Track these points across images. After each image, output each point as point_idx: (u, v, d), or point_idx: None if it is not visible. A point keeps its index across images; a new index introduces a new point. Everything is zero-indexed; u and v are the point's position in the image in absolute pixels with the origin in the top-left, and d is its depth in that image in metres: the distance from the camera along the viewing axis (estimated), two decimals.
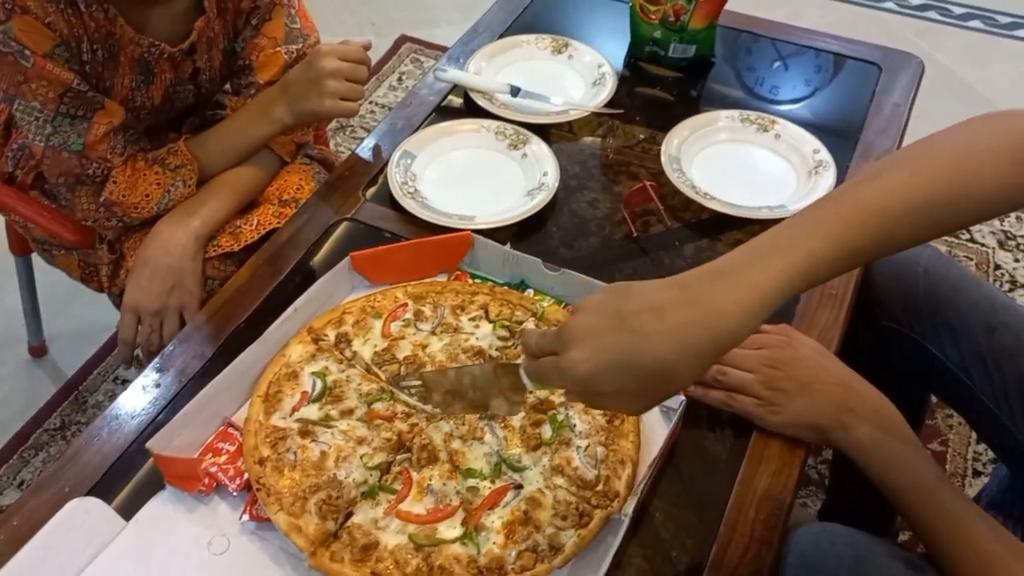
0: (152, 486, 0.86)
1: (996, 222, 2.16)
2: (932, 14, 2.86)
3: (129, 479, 0.88)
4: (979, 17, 2.85)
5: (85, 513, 0.83)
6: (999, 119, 0.74)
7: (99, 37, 1.12)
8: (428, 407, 0.89)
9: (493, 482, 0.84)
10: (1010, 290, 2.01)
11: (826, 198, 0.72)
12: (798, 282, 0.67)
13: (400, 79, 2.61)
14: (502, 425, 0.89)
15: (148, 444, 0.83)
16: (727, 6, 1.36)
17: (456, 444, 0.87)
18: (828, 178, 1.16)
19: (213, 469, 0.85)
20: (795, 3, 2.71)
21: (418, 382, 0.87)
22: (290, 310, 0.96)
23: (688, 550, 0.83)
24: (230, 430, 0.90)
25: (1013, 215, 2.18)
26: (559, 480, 0.84)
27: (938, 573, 0.83)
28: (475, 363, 0.93)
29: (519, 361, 0.78)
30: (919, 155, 0.73)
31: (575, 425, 0.89)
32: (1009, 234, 2.14)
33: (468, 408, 0.85)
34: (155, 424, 0.91)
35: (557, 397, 0.91)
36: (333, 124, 2.45)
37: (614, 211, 1.16)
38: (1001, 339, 1.03)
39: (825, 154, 1.20)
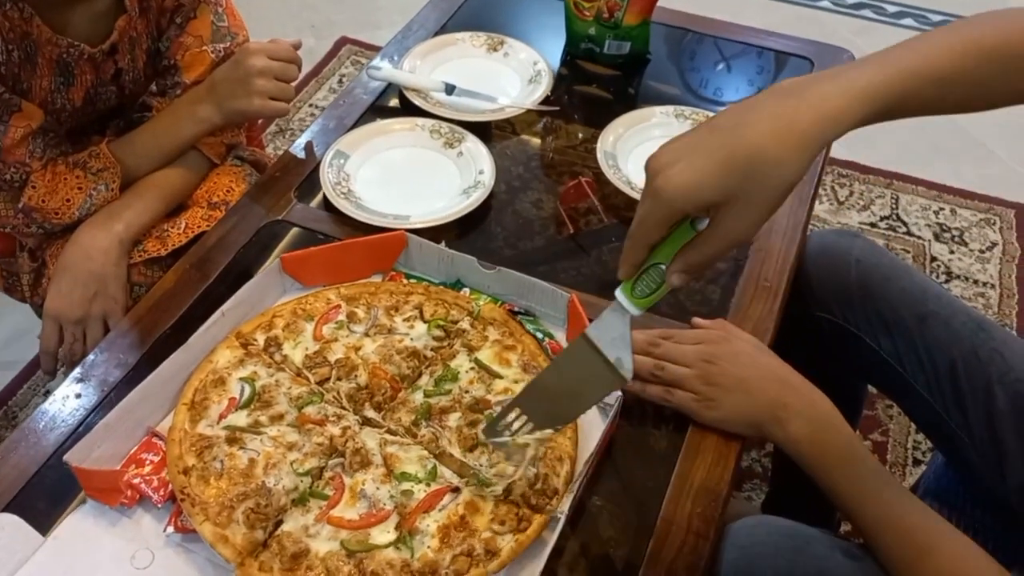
0: (72, 500, 0.83)
1: (932, 215, 2.21)
2: (867, 12, 2.92)
3: (48, 494, 0.84)
4: (912, 15, 2.92)
5: (0, 530, 0.80)
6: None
7: (14, 37, 1.08)
8: (544, 432, 0.82)
9: (428, 485, 0.83)
10: (946, 281, 2.05)
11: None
12: (892, 88, 0.65)
13: (341, 81, 2.58)
14: (440, 425, 0.87)
15: (66, 457, 0.80)
16: (668, 4, 1.36)
17: (391, 448, 0.85)
18: None
19: (136, 481, 0.82)
20: (735, 5, 2.74)
21: (515, 416, 0.80)
22: (217, 314, 0.93)
23: (626, 545, 0.82)
24: (154, 440, 0.87)
25: (947, 208, 2.23)
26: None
27: (875, 562, 0.83)
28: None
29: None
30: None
31: None
32: (944, 226, 2.19)
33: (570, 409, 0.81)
34: (75, 436, 0.88)
35: (493, 397, 0.89)
36: (271, 128, 2.41)
37: (558, 211, 1.16)
38: (932, 328, 1.04)
39: None
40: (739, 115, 0.64)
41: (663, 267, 0.71)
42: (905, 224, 2.19)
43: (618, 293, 0.74)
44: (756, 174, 0.63)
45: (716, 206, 0.66)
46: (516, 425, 0.80)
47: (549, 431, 0.82)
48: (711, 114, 1.26)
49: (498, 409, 0.88)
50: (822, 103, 0.63)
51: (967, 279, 2.06)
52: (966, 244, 2.14)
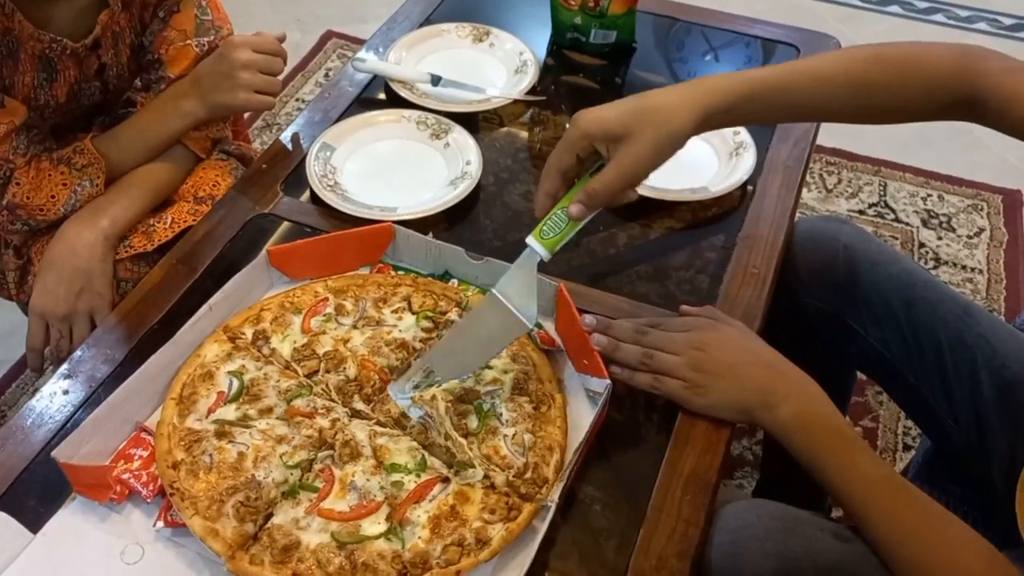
0: (61, 497, 0.83)
1: (920, 201, 2.22)
2: (853, 0, 2.92)
3: (37, 491, 0.84)
4: (898, 2, 2.92)
5: None
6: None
7: None
8: (450, 383, 0.89)
9: (419, 476, 0.83)
10: (934, 267, 2.06)
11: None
12: (768, 78, 0.87)
13: (327, 75, 2.57)
14: (428, 414, 0.87)
15: (54, 453, 0.80)
16: None
17: (381, 440, 0.85)
18: (748, 159, 1.17)
19: (125, 476, 0.82)
20: None
21: (421, 376, 0.88)
22: (204, 309, 0.93)
23: (617, 533, 0.82)
24: (143, 435, 0.87)
25: (935, 194, 2.24)
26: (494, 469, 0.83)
27: (865, 543, 0.84)
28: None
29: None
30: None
31: (501, 414, 0.88)
32: (932, 213, 2.19)
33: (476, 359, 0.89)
34: (63, 432, 0.88)
35: (482, 387, 0.89)
36: (258, 122, 2.40)
37: None
38: (919, 314, 1.04)
39: (745, 135, 1.20)
40: (652, 91, 0.87)
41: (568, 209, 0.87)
42: (893, 211, 2.20)
43: (529, 239, 0.88)
44: (650, 118, 0.84)
45: (616, 140, 0.86)
46: (418, 378, 0.88)
47: (455, 381, 0.89)
48: None
49: (487, 399, 0.89)
50: (710, 82, 0.87)
51: (955, 265, 2.07)
52: (954, 230, 2.15)
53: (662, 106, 0.86)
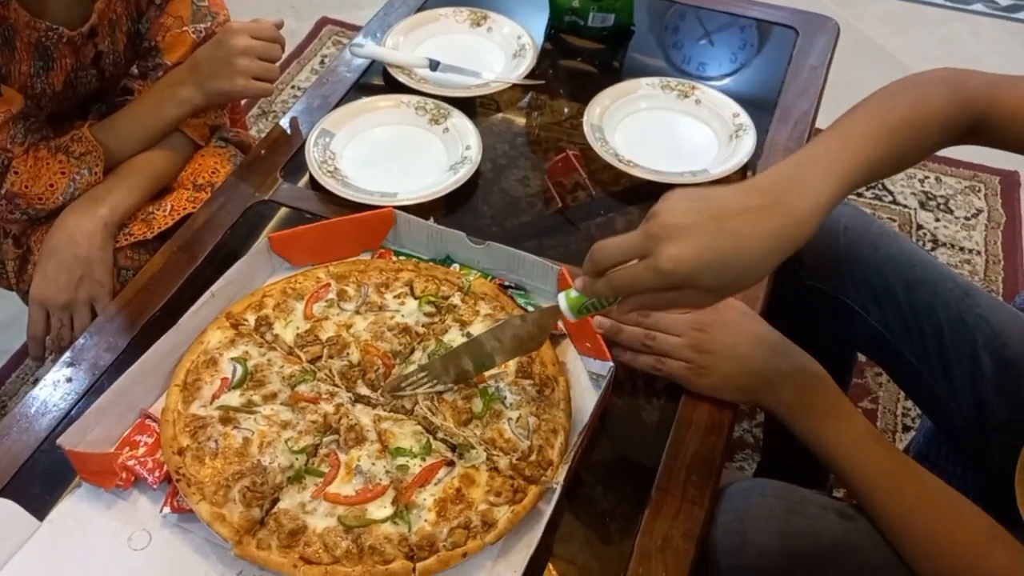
0: (66, 484, 0.83)
1: (917, 183, 2.22)
2: None
3: (42, 478, 0.84)
4: None
5: None
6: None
7: None
8: (440, 387, 0.89)
9: (424, 460, 0.83)
10: (932, 249, 2.06)
11: (850, 114, 0.80)
12: (848, 188, 0.74)
13: (323, 62, 2.56)
14: (437, 400, 0.87)
15: (59, 440, 0.80)
16: None
17: (386, 424, 0.85)
18: (748, 141, 1.17)
19: (131, 463, 0.82)
20: None
21: (421, 377, 0.87)
22: (206, 295, 0.93)
23: (621, 515, 0.83)
24: (148, 422, 0.87)
25: (933, 176, 2.24)
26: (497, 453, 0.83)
27: (868, 522, 0.84)
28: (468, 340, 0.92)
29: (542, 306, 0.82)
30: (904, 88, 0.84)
31: (505, 397, 0.88)
32: (930, 194, 2.20)
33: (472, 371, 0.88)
34: (68, 420, 0.88)
35: (487, 371, 0.90)
36: (254, 110, 2.40)
37: (545, 187, 1.15)
38: (919, 294, 1.04)
39: (745, 118, 1.20)
40: (746, 225, 0.71)
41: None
42: (891, 193, 2.20)
43: (561, 299, 0.80)
44: (739, 282, 0.72)
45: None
46: (419, 382, 0.87)
47: (451, 386, 0.89)
48: (695, 85, 1.26)
49: (492, 383, 0.89)
50: (801, 226, 0.72)
51: (953, 246, 2.07)
52: (951, 212, 2.16)
53: (754, 268, 0.72)
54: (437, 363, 0.87)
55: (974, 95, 0.83)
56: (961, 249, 2.06)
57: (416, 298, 0.97)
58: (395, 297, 0.97)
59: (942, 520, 0.80)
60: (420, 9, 1.44)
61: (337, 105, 1.25)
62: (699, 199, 0.73)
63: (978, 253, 2.05)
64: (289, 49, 2.55)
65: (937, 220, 2.14)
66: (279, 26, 1.21)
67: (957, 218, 2.14)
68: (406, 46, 1.35)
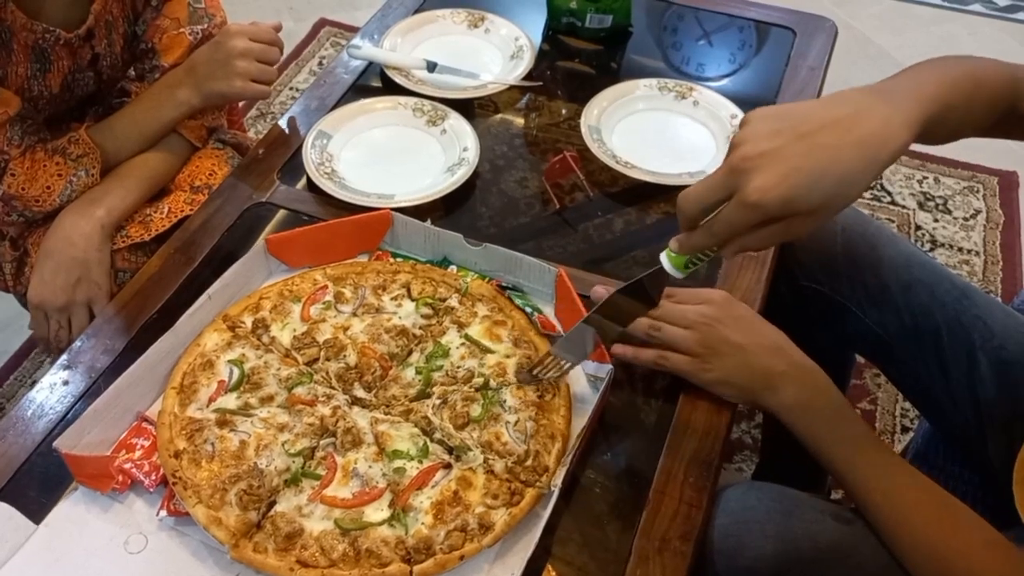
0: (62, 487, 0.83)
1: (915, 184, 2.22)
2: None
3: (38, 481, 0.84)
4: None
5: None
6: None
7: None
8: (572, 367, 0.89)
9: (420, 462, 0.83)
10: (931, 249, 2.06)
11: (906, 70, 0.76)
12: (927, 119, 0.70)
13: (320, 63, 2.56)
14: (440, 402, 0.87)
15: (55, 443, 0.79)
16: None
17: (383, 427, 0.85)
18: None
19: (127, 466, 0.82)
20: None
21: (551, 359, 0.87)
22: (203, 298, 0.93)
23: (619, 517, 0.82)
24: (144, 425, 0.87)
25: (931, 176, 2.24)
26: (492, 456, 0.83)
27: (865, 525, 0.84)
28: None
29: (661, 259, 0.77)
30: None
31: (505, 400, 0.88)
32: (928, 195, 2.20)
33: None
34: (64, 423, 0.88)
35: (487, 371, 0.89)
36: (252, 112, 2.39)
37: (543, 189, 1.15)
38: (917, 295, 1.04)
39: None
40: (837, 134, 0.67)
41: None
42: (889, 194, 2.20)
43: (664, 259, 0.77)
44: (840, 198, 0.68)
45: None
46: (550, 368, 0.87)
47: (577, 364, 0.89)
48: (693, 86, 1.26)
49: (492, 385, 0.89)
50: (894, 134, 0.68)
51: (951, 247, 2.07)
52: (950, 212, 2.16)
53: (853, 179, 0.69)
54: (562, 343, 0.86)
55: (1022, 76, 0.79)
56: (959, 250, 2.06)
57: (413, 300, 0.97)
58: (392, 299, 0.97)
59: (939, 525, 0.80)
60: (418, 10, 1.43)
61: (335, 106, 1.25)
62: (780, 118, 0.69)
63: (976, 254, 2.05)
64: (287, 50, 2.55)
65: (936, 221, 2.14)
66: (277, 29, 1.21)
67: (955, 219, 2.14)
68: (404, 47, 1.35)
